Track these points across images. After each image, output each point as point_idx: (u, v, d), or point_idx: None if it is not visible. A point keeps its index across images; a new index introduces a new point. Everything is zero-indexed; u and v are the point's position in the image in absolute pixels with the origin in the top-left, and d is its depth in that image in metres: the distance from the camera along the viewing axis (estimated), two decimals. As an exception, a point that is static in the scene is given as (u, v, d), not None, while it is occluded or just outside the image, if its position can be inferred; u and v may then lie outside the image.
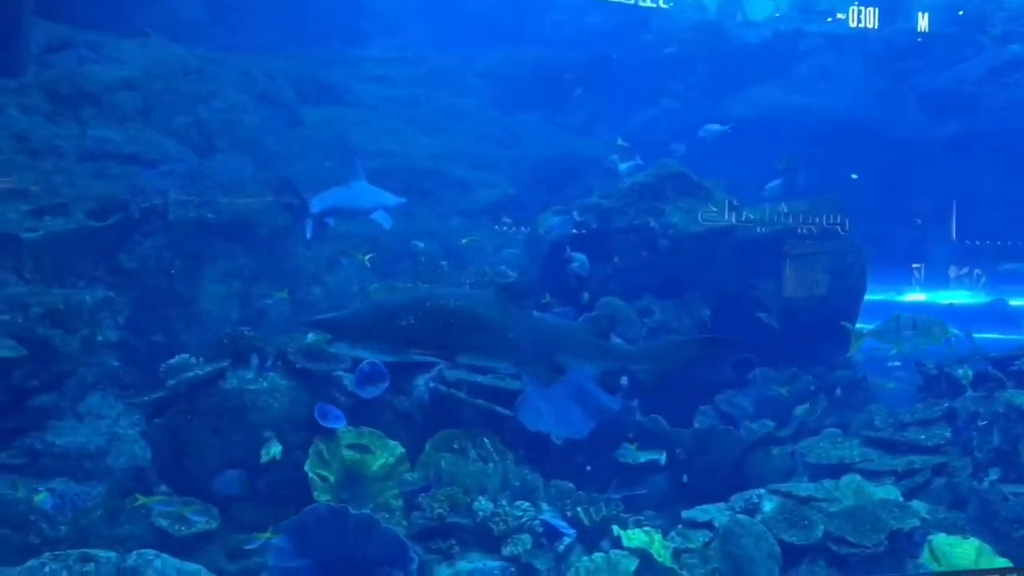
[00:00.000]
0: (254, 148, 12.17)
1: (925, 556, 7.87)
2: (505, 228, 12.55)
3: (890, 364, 11.40)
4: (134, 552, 7.17)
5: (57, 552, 7.11)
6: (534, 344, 5.97)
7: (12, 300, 8.32)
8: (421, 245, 11.21)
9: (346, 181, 10.28)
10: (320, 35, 15.25)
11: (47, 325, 8.30)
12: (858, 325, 10.36)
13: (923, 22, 17.45)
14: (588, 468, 8.96)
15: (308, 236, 10.18)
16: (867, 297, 11.21)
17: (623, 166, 12.21)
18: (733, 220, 10.73)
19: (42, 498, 7.44)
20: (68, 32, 11.73)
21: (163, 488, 8.15)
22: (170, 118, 11.66)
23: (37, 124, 10.50)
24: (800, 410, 9.93)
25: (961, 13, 17.18)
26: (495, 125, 14.69)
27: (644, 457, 9.05)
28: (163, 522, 7.67)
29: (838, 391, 10.34)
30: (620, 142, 12.82)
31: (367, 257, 10.12)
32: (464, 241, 11.68)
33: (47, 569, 6.90)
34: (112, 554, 7.12)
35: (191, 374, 8.28)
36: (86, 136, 10.67)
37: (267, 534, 7.34)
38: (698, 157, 12.61)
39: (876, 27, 17.55)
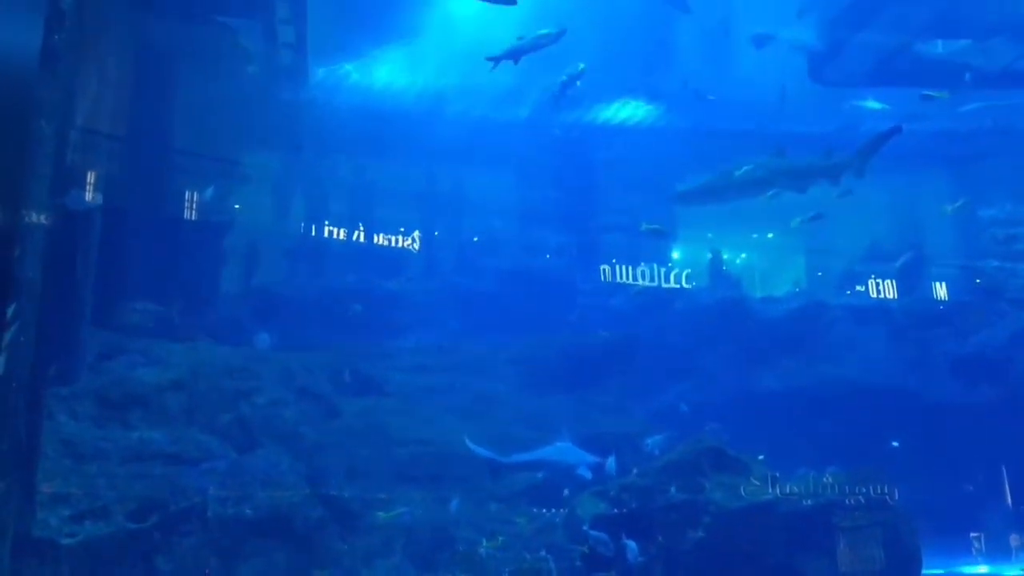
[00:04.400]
0: (293, 441, 12.37)
1: None
2: (544, 511, 12.34)
3: None
4: None
5: None
6: None
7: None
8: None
9: (552, 443, 12.04)
10: (359, 329, 15.93)
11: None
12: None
13: (941, 291, 18.01)
14: None
15: None
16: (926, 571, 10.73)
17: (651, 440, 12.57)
18: (778, 493, 10.55)
19: None
20: (121, 340, 12.38)
21: None
22: (214, 416, 12.00)
23: (84, 429, 10.86)
24: None
25: (978, 281, 17.75)
26: (529, 408, 14.89)
27: None
28: None
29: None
30: None
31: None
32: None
33: None
34: None
35: None
36: (131, 439, 10.97)
37: None
38: (732, 430, 12.62)
39: (895, 297, 18.11)
